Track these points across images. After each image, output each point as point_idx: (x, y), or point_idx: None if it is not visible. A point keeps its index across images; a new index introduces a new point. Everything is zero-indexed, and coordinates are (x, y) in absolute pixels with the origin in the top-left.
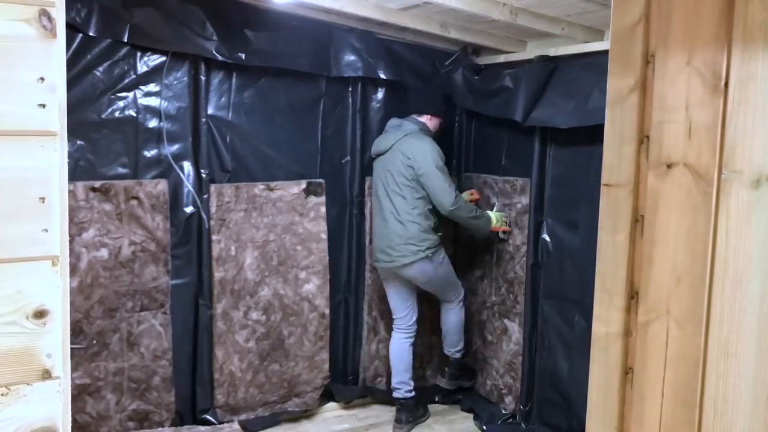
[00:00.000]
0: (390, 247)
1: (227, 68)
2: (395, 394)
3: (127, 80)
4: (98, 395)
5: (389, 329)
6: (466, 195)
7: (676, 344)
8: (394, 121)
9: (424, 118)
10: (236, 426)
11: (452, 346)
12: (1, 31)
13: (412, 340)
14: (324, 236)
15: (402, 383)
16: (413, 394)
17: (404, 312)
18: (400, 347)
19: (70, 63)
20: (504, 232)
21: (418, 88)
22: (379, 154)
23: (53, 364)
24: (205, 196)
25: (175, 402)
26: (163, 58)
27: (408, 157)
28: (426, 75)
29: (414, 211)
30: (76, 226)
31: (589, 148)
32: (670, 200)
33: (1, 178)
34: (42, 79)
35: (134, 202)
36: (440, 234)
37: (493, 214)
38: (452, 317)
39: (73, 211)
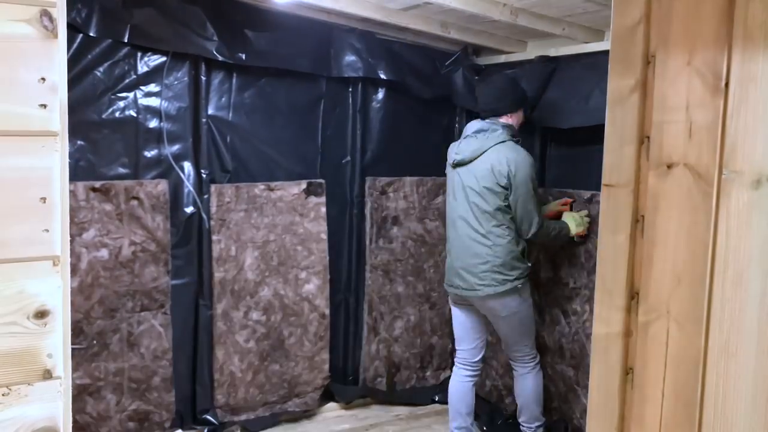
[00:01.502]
0: (471, 273)
1: (228, 68)
2: None
3: (127, 80)
4: (98, 395)
5: (389, 329)
6: (553, 205)
7: (676, 344)
8: (476, 124)
9: (506, 119)
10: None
11: (532, 420)
12: (2, 31)
13: (476, 379)
14: (324, 236)
15: (462, 428)
16: None
17: (471, 345)
18: (463, 387)
19: (71, 63)
20: (579, 237)
21: (487, 80)
22: (461, 164)
23: (54, 364)
24: (206, 197)
25: (175, 402)
26: (164, 59)
27: (501, 171)
28: (426, 75)
29: (505, 233)
30: (76, 227)
31: (590, 148)
32: (671, 200)
33: (2, 178)
34: (43, 79)
35: (134, 203)
36: (530, 264)
37: (570, 220)
38: (529, 384)
39: (73, 212)
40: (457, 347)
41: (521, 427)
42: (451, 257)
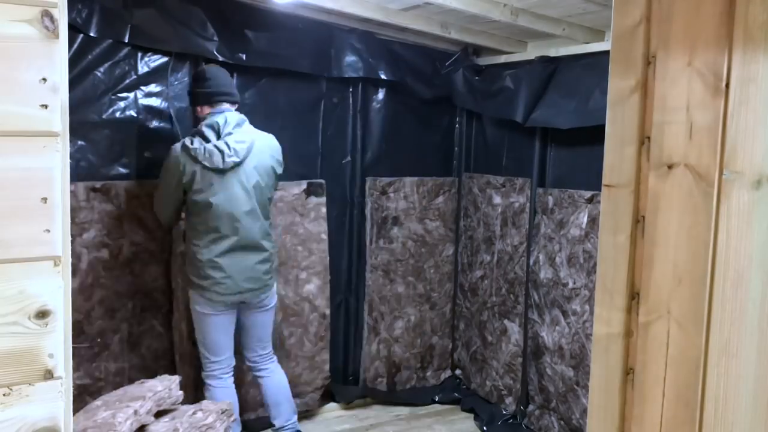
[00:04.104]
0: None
1: (228, 69)
2: None
3: (128, 81)
4: (99, 395)
5: (390, 330)
6: None
7: (676, 345)
8: (234, 117)
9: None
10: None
11: (292, 412)
12: (3, 31)
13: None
14: (324, 237)
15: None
16: None
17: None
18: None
19: (71, 63)
20: None
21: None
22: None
23: (55, 364)
24: None
25: None
26: (164, 59)
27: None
28: (426, 75)
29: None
30: (77, 227)
31: (590, 149)
32: (671, 201)
33: (3, 179)
34: (44, 79)
35: (135, 203)
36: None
37: None
38: (284, 376)
39: (73, 212)
40: (220, 357)
41: (287, 429)
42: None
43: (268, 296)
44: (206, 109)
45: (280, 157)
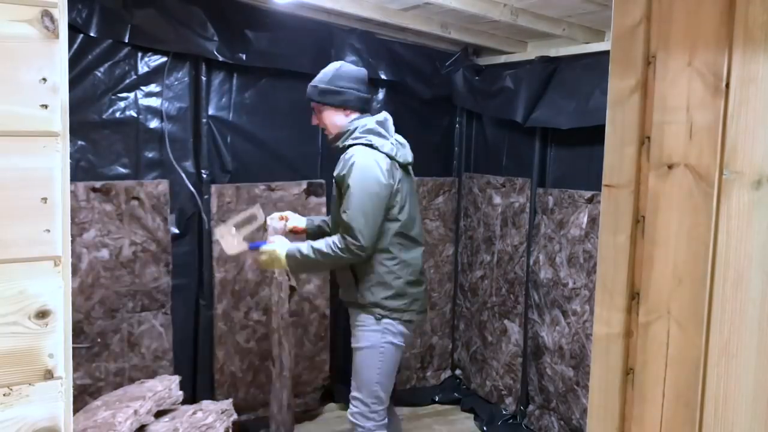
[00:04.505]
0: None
1: (228, 69)
2: None
3: (128, 81)
4: (99, 395)
5: None
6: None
7: (676, 345)
8: (389, 121)
9: None
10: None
11: None
12: (4, 31)
13: None
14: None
15: None
16: None
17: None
18: None
19: (71, 63)
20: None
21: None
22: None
23: (55, 364)
24: (206, 197)
25: None
26: (164, 59)
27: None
28: (426, 75)
29: None
30: (76, 227)
31: (590, 149)
32: (671, 201)
33: (3, 179)
34: (44, 79)
35: (135, 203)
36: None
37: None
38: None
39: (73, 212)
40: (383, 404)
41: None
42: (419, 277)
43: None
44: (355, 115)
45: None
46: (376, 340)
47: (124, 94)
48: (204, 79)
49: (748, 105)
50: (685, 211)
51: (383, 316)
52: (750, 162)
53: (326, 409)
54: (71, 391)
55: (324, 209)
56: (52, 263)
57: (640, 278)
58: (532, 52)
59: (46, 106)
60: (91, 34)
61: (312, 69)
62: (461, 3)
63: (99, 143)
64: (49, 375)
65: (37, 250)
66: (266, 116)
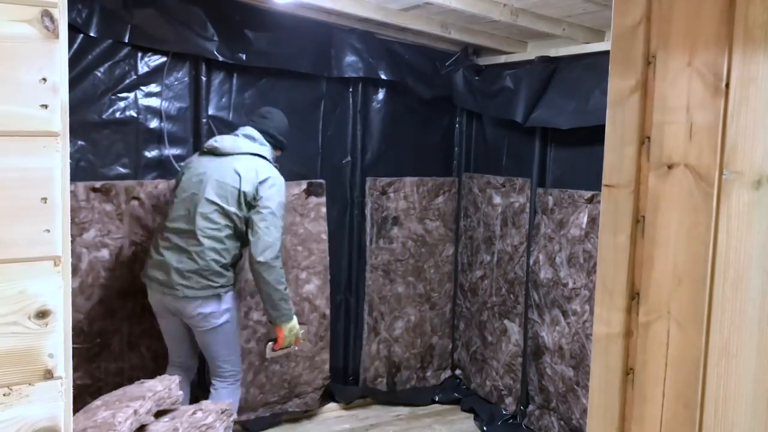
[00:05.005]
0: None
1: (228, 69)
2: None
3: (127, 81)
4: (99, 396)
5: (390, 330)
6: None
7: (676, 345)
8: (249, 130)
9: (270, 147)
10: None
11: None
12: (3, 31)
13: None
14: (324, 236)
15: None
16: None
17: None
18: None
19: (71, 63)
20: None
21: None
22: (213, 152)
23: (55, 364)
24: None
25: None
26: (164, 59)
27: (254, 180)
28: (426, 75)
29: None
30: (76, 227)
31: (590, 149)
32: (671, 201)
33: (2, 179)
34: (44, 79)
35: (135, 203)
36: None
37: (295, 321)
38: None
39: (73, 212)
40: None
41: None
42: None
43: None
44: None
45: None
46: None
47: (124, 94)
48: (204, 79)
49: (748, 105)
50: (685, 211)
51: None
52: (750, 162)
53: (326, 409)
54: (71, 391)
55: (324, 209)
56: (52, 263)
57: (640, 278)
58: (532, 52)
59: (46, 106)
60: (91, 34)
61: (312, 69)
62: (461, 3)
63: (99, 143)
64: (49, 375)
65: (37, 250)
66: None
